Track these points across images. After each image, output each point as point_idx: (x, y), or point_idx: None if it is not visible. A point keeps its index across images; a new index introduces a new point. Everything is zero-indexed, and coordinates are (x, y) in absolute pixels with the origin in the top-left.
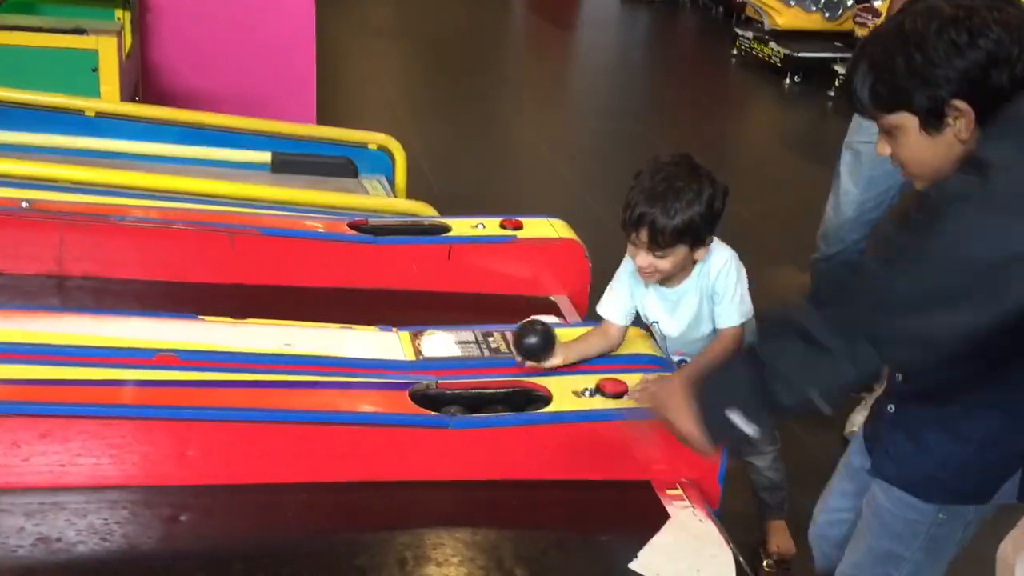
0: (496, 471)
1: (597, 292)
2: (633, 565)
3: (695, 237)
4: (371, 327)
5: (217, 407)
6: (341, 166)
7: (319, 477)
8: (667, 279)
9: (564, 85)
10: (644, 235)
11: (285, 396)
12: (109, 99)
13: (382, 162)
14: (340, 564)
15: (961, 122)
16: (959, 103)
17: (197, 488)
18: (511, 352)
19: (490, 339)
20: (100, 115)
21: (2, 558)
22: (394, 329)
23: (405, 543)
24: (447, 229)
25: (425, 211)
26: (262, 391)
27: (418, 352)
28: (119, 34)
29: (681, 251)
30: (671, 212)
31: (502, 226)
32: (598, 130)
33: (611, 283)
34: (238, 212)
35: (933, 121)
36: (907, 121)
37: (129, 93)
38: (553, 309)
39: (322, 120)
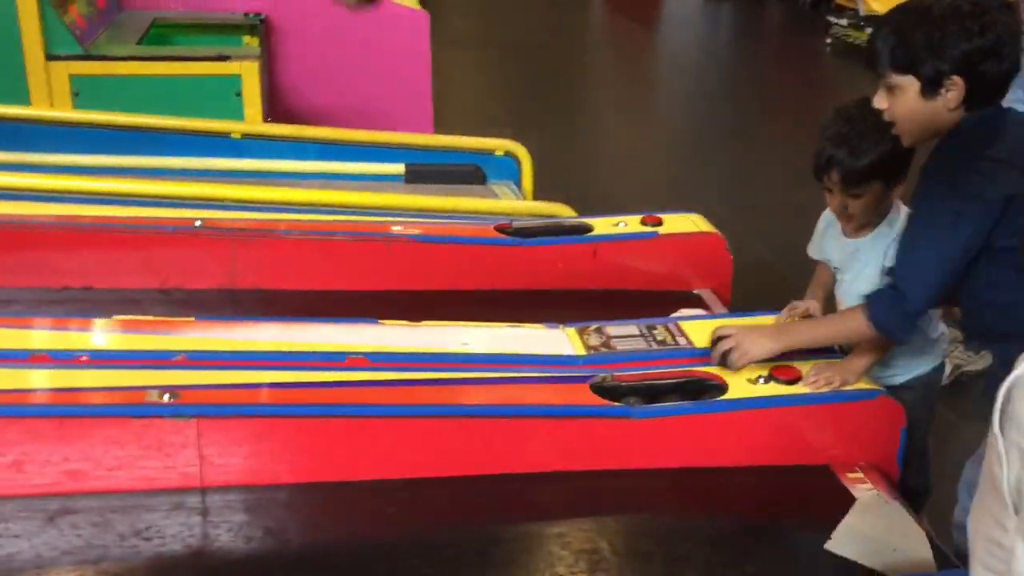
0: (678, 459)
1: (739, 283)
2: (828, 545)
3: (887, 175)
4: (539, 325)
5: (415, 404)
6: (470, 173)
7: (509, 469)
8: (857, 227)
9: (655, 83)
10: (835, 176)
11: (472, 392)
12: (252, 121)
13: (508, 167)
14: (549, 546)
15: (952, 94)
16: (956, 78)
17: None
18: (676, 343)
19: (655, 332)
20: (246, 137)
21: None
22: (560, 326)
23: (604, 528)
24: (590, 228)
25: (563, 212)
26: (450, 388)
27: (588, 347)
28: (259, 59)
29: (875, 189)
30: (858, 151)
31: (643, 223)
32: (697, 127)
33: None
34: (386, 221)
35: (931, 88)
36: (910, 84)
37: (263, 115)
38: (699, 302)
39: (438, 131)
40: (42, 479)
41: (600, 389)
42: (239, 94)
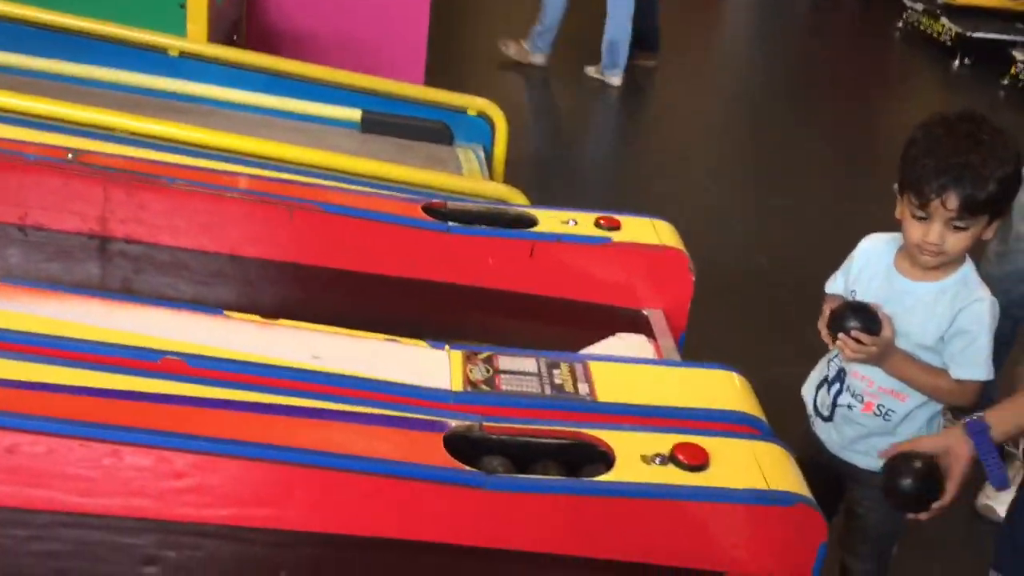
0: (538, 543)
1: (700, 305)
2: None
3: (1003, 204)
4: (421, 342)
5: (204, 437)
6: (436, 131)
7: (321, 527)
8: (938, 267)
9: (716, 59)
10: (953, 201)
11: (294, 427)
12: (195, 39)
13: (481, 129)
14: None
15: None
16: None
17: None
18: (576, 392)
19: (555, 372)
20: (184, 55)
21: None
22: (446, 347)
23: None
24: (533, 223)
25: (515, 198)
26: (268, 417)
27: (467, 381)
28: None
29: (983, 221)
30: (982, 176)
31: (597, 224)
32: (740, 110)
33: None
34: (304, 182)
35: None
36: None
37: (225, 32)
38: (644, 325)
39: (431, 82)
40: None
41: (460, 441)
42: (183, 6)
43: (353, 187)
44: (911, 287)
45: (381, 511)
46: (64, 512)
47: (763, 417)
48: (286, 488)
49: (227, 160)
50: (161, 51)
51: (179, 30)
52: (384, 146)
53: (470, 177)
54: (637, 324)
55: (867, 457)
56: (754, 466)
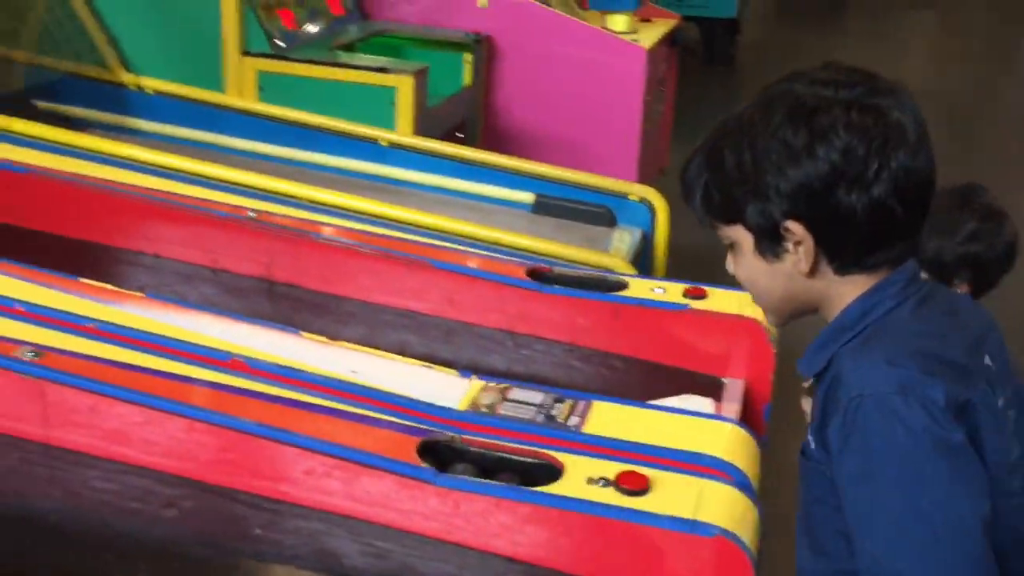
0: (475, 538)
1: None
2: None
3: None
4: (453, 371)
5: (211, 410)
6: (599, 214)
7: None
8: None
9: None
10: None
11: (295, 416)
12: (403, 132)
13: (642, 214)
14: None
15: (801, 250)
16: (793, 225)
17: None
18: (564, 423)
19: (557, 406)
20: (392, 145)
21: None
22: (473, 376)
23: None
24: (623, 287)
25: (619, 266)
26: (280, 407)
27: (474, 404)
28: (417, 75)
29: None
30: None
31: (685, 293)
32: None
33: None
34: (426, 243)
35: (768, 243)
36: (742, 238)
37: (444, 129)
38: (717, 392)
39: (644, 179)
40: None
41: (435, 447)
42: (393, 104)
43: (470, 249)
44: None
45: (350, 492)
46: (129, 463)
47: (748, 470)
48: (285, 463)
49: (399, 229)
50: (373, 141)
51: (391, 125)
52: (549, 225)
53: (577, 247)
54: (713, 390)
55: None
56: (692, 500)
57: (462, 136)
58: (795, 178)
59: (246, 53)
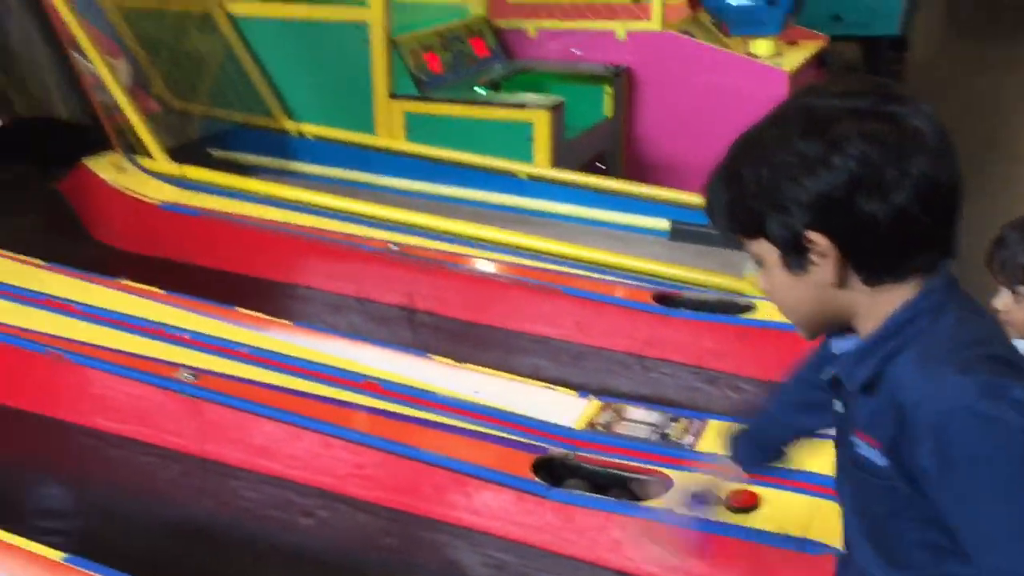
0: (586, 552)
1: None
2: None
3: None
4: (572, 391)
5: (347, 428)
6: (733, 238)
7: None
8: None
9: None
10: None
11: (421, 433)
12: (541, 164)
13: None
14: None
15: (827, 261)
16: (816, 236)
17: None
18: (678, 442)
19: (671, 424)
20: (531, 178)
21: None
22: (590, 396)
23: None
24: (750, 310)
25: (748, 289)
26: (409, 425)
27: (589, 423)
28: (553, 109)
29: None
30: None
31: None
32: None
33: None
34: (558, 271)
35: (793, 256)
36: (768, 252)
37: (582, 161)
38: None
39: None
40: None
41: (550, 463)
42: (530, 138)
43: (600, 276)
44: None
45: (463, 503)
46: (272, 475)
47: None
48: (413, 478)
49: (534, 258)
50: (511, 175)
51: (528, 158)
52: (686, 251)
53: (711, 272)
54: None
55: None
56: (802, 518)
57: (603, 166)
58: (813, 188)
59: (394, 96)
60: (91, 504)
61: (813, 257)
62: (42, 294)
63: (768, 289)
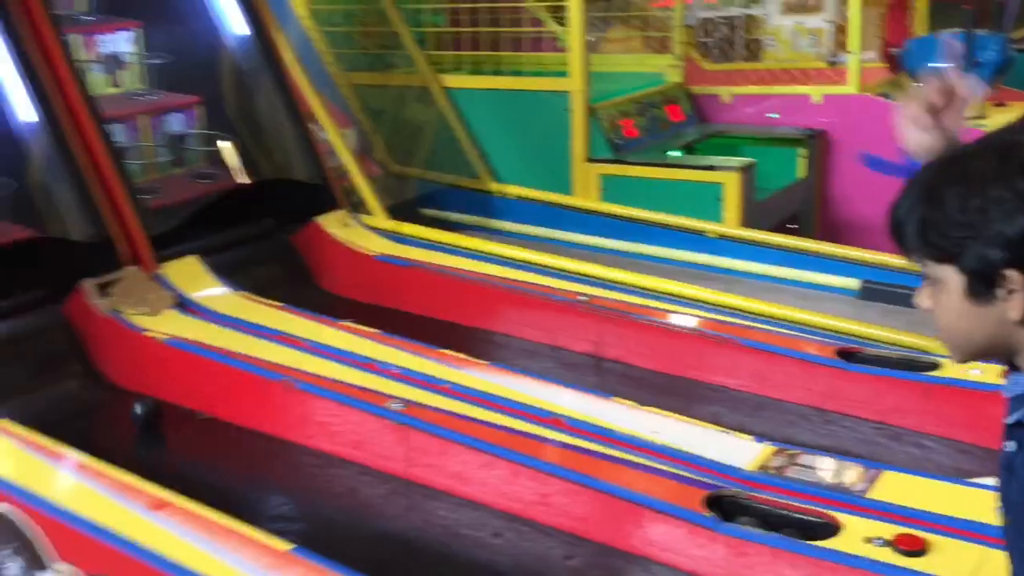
0: None
1: None
2: None
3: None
4: (748, 436)
5: (534, 458)
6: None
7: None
8: None
9: None
10: None
11: (598, 465)
12: (729, 224)
13: None
14: None
15: (1017, 298)
16: (1011, 274)
17: None
18: (849, 489)
19: (845, 472)
20: (720, 236)
21: None
22: (766, 442)
23: None
24: (935, 367)
25: (933, 347)
26: (584, 457)
27: (763, 466)
28: (742, 171)
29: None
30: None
31: (1004, 374)
32: None
33: None
34: (739, 324)
35: (980, 287)
36: (950, 278)
37: (774, 220)
38: None
39: None
40: None
41: (722, 500)
42: (720, 199)
43: (781, 329)
44: None
45: (638, 532)
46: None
47: None
48: (589, 504)
49: (718, 312)
50: (700, 233)
51: (718, 218)
52: (875, 310)
53: (894, 330)
54: None
55: None
56: (970, 565)
57: (795, 226)
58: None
59: (590, 159)
60: (311, 512)
61: (1000, 292)
62: (279, 331)
63: (936, 312)
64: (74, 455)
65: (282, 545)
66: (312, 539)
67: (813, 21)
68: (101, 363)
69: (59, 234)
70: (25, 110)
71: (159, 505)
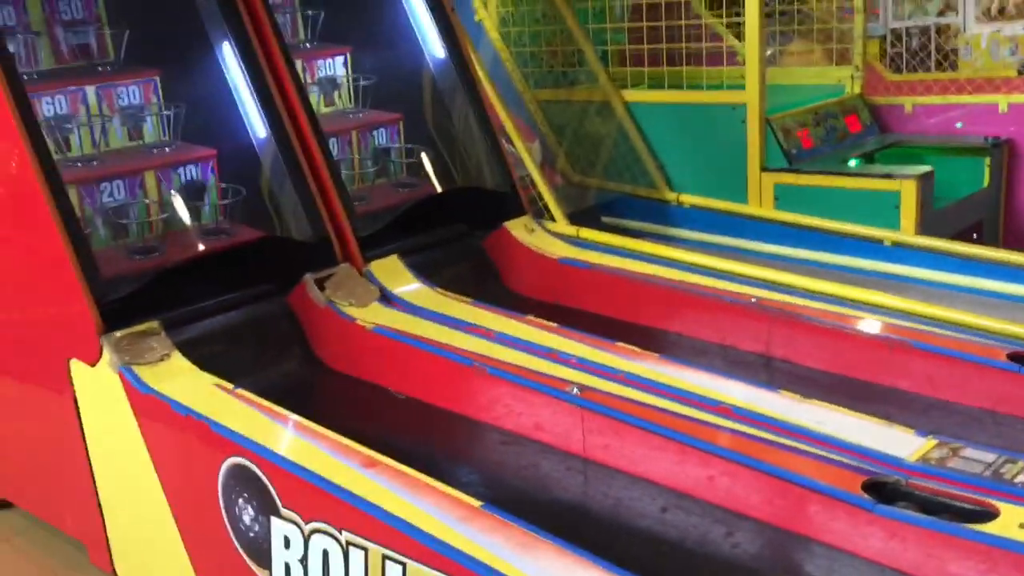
0: (908, 565)
1: None
2: None
3: None
4: (909, 429)
5: (699, 439)
6: None
7: (755, 514)
8: None
9: None
10: None
11: (760, 448)
12: (907, 232)
13: None
14: None
15: None
16: None
17: None
18: (1012, 480)
19: (1007, 465)
20: (896, 244)
21: None
22: (929, 436)
23: None
24: None
25: None
26: (747, 440)
27: (924, 457)
28: (920, 179)
29: None
30: None
31: None
32: None
33: None
34: (910, 327)
35: None
36: None
37: (956, 229)
38: None
39: None
40: None
41: (882, 485)
42: (897, 207)
43: (951, 333)
44: None
45: (797, 512)
46: (637, 475)
47: None
48: (750, 485)
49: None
50: (877, 241)
51: (895, 225)
52: None
53: None
54: None
55: None
56: None
57: (978, 238)
58: None
59: (765, 169)
60: (496, 481)
61: None
62: (469, 323)
63: None
64: (298, 419)
65: (472, 501)
66: (497, 502)
67: (1011, 28)
68: (317, 346)
69: (286, 234)
70: (258, 127)
71: (370, 463)
